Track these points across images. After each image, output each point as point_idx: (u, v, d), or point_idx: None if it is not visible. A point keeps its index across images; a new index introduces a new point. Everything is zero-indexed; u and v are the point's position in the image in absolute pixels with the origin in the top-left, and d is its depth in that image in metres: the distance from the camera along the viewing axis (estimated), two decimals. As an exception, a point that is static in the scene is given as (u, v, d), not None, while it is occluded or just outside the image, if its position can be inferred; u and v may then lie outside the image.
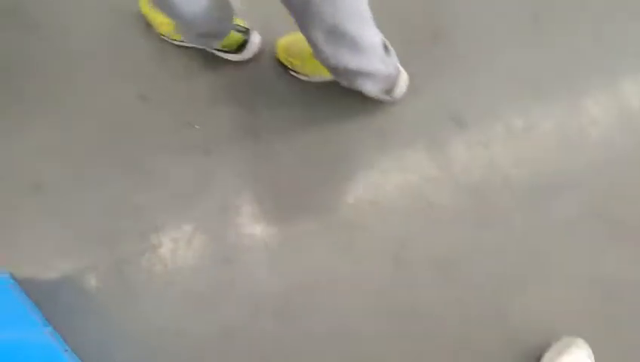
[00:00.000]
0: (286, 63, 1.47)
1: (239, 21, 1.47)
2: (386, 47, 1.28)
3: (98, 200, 1.44)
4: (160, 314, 1.36)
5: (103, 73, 1.53)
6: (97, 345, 1.36)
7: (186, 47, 1.52)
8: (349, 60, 1.19)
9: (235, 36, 1.45)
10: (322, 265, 1.34)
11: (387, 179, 1.38)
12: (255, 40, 1.50)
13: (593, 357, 1.19)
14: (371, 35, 1.19)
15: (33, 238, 1.45)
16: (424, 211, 1.34)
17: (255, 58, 1.50)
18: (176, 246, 1.40)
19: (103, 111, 1.50)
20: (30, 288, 1.40)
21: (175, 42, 1.53)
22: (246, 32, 1.47)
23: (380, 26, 1.19)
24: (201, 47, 1.49)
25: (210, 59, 1.51)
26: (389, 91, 1.37)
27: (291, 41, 1.45)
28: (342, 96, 1.41)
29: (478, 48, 1.43)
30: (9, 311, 1.31)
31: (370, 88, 1.33)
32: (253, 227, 1.38)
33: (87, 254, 1.42)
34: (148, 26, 1.54)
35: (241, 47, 1.48)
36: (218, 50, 1.48)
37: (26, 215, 1.46)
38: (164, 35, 1.53)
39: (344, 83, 1.32)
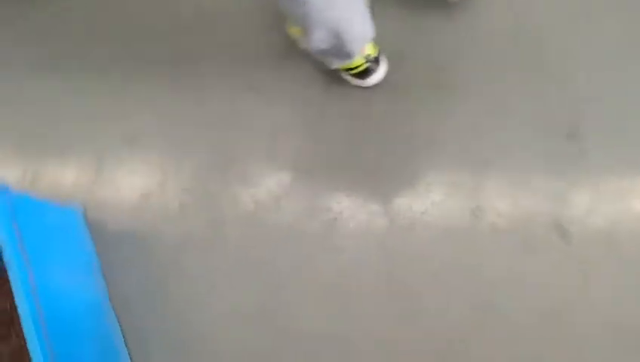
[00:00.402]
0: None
1: (370, 48, 1.35)
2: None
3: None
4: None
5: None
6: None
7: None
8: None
9: (359, 61, 1.35)
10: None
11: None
12: (381, 70, 1.39)
13: None
14: None
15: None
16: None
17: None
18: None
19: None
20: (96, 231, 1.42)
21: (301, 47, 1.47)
22: (374, 60, 1.37)
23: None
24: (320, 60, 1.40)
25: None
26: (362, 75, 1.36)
27: None
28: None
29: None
30: (68, 243, 1.33)
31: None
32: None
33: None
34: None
35: (363, 73, 1.38)
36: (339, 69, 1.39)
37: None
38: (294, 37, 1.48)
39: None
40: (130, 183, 1.47)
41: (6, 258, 1.11)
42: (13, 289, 1.09)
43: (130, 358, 1.32)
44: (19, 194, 1.23)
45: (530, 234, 1.25)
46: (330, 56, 1.32)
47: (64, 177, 1.50)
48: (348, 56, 1.30)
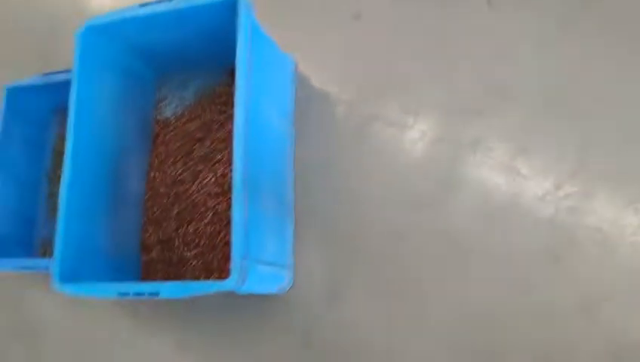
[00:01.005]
0: None
1: None
2: None
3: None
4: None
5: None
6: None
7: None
8: None
9: None
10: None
11: None
12: None
13: None
14: None
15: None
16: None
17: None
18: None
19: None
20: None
21: None
22: None
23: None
24: None
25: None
26: None
27: None
28: None
29: None
30: (278, 88, 1.31)
31: None
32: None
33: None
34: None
35: None
36: None
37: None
38: None
39: None
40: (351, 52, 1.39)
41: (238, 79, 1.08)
42: (235, 111, 1.06)
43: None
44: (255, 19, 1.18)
45: None
46: None
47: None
48: None
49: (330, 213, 1.29)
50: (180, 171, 1.34)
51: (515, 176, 1.20)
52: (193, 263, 1.28)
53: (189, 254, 1.29)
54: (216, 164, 1.31)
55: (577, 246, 1.14)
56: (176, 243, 1.31)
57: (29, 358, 1.45)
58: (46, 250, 1.46)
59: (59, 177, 1.47)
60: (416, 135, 1.28)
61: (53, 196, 1.49)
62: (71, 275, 1.15)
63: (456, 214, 1.21)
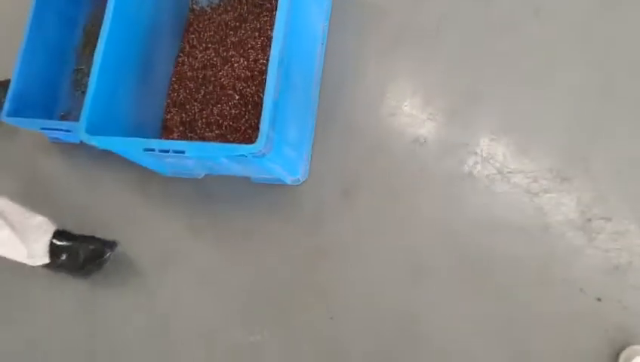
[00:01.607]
0: None
1: None
2: None
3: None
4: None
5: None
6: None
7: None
8: None
9: None
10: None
11: None
12: None
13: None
14: None
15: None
16: None
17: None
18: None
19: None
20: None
21: None
22: None
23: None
24: None
25: None
26: None
27: None
28: None
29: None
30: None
31: None
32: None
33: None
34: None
35: None
36: None
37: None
38: None
39: None
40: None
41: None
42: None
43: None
44: None
45: None
46: None
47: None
48: None
49: (351, 117, 1.33)
50: (211, 56, 1.37)
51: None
52: (214, 144, 1.31)
53: (210, 135, 1.31)
54: (249, 50, 1.33)
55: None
56: (200, 124, 1.33)
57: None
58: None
59: (87, 54, 1.50)
60: (445, 47, 1.31)
61: (79, 71, 1.50)
62: (96, 132, 1.17)
63: (475, 129, 1.25)
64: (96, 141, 1.14)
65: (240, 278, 1.30)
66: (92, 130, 1.17)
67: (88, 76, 1.26)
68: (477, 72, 1.28)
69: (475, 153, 1.23)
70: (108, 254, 1.30)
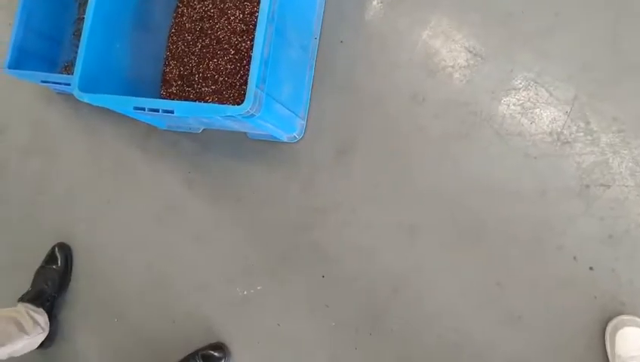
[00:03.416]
0: None
1: None
2: None
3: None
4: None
5: None
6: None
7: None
8: None
9: None
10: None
11: None
12: None
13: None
14: None
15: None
16: None
17: None
18: None
19: None
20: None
21: None
22: None
23: None
24: None
25: None
26: None
27: None
28: None
29: None
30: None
31: None
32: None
33: None
34: None
35: None
36: None
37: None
38: None
39: None
40: None
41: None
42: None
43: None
44: None
45: None
46: None
47: None
48: None
49: (349, 74, 1.29)
50: (209, 7, 1.33)
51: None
52: (209, 100, 1.30)
53: (207, 90, 1.30)
54: (246, 3, 1.29)
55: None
56: (197, 78, 1.32)
57: (43, 173, 1.51)
58: (68, 72, 1.48)
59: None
60: (450, 2, 1.25)
61: (81, 21, 1.49)
62: (90, 87, 1.17)
63: (476, 88, 1.21)
64: (87, 98, 1.14)
65: (235, 234, 1.31)
66: (86, 87, 1.16)
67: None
68: (483, 31, 1.23)
69: (475, 113, 1.19)
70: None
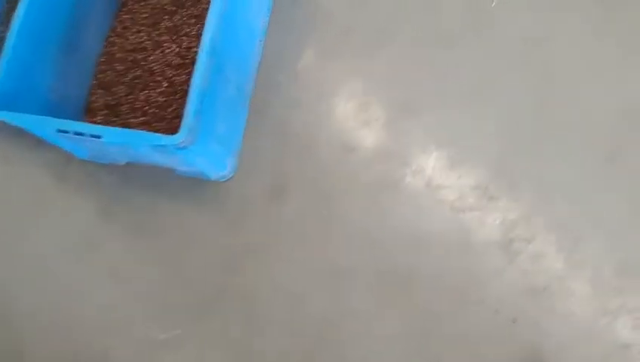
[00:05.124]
0: None
1: None
2: None
3: None
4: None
5: None
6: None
7: None
8: None
9: None
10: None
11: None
12: None
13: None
14: None
15: None
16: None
17: None
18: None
19: None
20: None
21: None
22: None
23: None
24: None
25: None
26: None
27: None
28: None
29: None
30: None
31: None
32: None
33: None
34: None
35: None
36: None
37: None
38: None
39: None
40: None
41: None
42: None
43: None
44: None
45: None
46: None
47: None
48: None
49: (284, 118, 1.29)
50: (143, 39, 1.30)
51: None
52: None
53: (134, 121, 1.25)
54: (183, 37, 1.27)
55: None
56: (124, 108, 1.27)
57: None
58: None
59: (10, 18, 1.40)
60: (385, 55, 1.29)
61: (2, 40, 1.40)
62: (7, 106, 1.09)
63: (406, 140, 1.23)
64: (4, 116, 1.06)
65: (155, 272, 1.24)
66: (3, 105, 1.09)
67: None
68: (415, 84, 1.27)
69: (404, 164, 1.21)
70: None
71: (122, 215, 1.28)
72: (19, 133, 1.23)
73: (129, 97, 1.27)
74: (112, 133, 1.02)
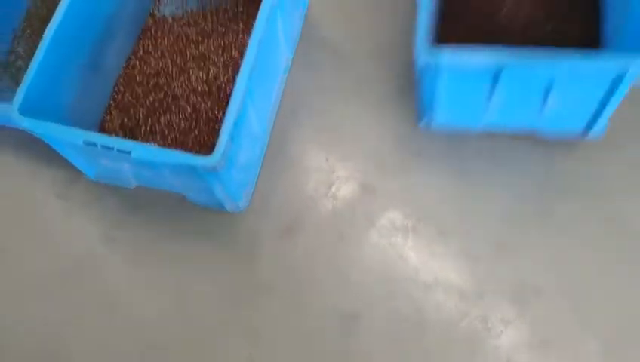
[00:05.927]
0: None
1: None
2: None
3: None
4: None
5: None
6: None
7: None
8: None
9: None
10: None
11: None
12: None
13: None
14: None
15: None
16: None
17: None
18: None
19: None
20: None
21: None
22: None
23: None
24: None
25: None
26: None
27: None
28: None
29: None
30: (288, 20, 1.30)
31: None
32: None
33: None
34: None
35: None
36: None
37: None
38: None
39: None
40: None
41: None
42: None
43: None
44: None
45: None
46: None
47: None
48: None
49: (300, 154, 1.29)
50: (167, 64, 1.30)
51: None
52: (154, 155, 1.22)
53: (153, 144, 1.23)
54: (210, 65, 1.28)
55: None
56: (142, 131, 1.25)
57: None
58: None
59: (27, 37, 1.38)
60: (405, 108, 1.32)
61: (12, 52, 1.37)
62: (30, 114, 1.06)
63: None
64: (29, 124, 1.03)
65: (157, 302, 1.19)
66: (26, 112, 1.05)
67: (23, 59, 1.16)
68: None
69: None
70: None
71: (126, 240, 1.24)
72: (18, 145, 1.24)
73: (148, 119, 1.26)
74: (142, 150, 1.00)
